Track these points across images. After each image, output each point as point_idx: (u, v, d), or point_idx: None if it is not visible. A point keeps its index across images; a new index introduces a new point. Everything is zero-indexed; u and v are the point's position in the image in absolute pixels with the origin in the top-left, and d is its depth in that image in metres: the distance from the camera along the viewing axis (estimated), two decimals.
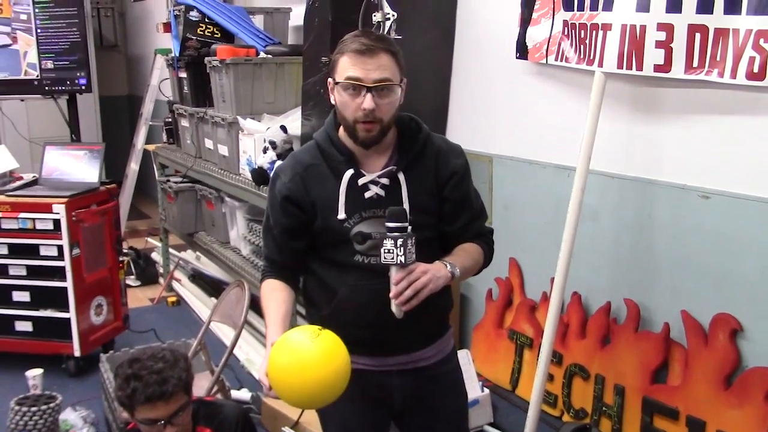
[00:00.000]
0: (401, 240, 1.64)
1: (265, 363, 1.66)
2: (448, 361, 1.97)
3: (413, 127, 1.85)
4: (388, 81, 1.70)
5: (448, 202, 1.85)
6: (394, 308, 1.67)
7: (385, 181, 1.79)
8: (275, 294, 1.85)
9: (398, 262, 1.65)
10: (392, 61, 1.72)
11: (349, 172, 1.78)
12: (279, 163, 3.39)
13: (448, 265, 1.74)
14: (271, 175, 1.95)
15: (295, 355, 1.62)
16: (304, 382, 1.61)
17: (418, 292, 1.65)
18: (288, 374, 1.61)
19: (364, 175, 1.79)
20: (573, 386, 3.01)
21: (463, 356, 2.87)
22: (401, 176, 1.80)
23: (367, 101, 1.68)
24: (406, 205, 1.77)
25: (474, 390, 3.04)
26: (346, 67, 1.71)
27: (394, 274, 1.66)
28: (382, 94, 1.70)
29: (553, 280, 2.77)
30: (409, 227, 1.69)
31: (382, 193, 1.79)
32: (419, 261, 1.68)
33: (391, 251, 1.65)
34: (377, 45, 1.70)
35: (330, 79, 1.77)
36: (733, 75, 2.27)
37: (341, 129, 1.81)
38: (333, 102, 1.78)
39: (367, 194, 1.79)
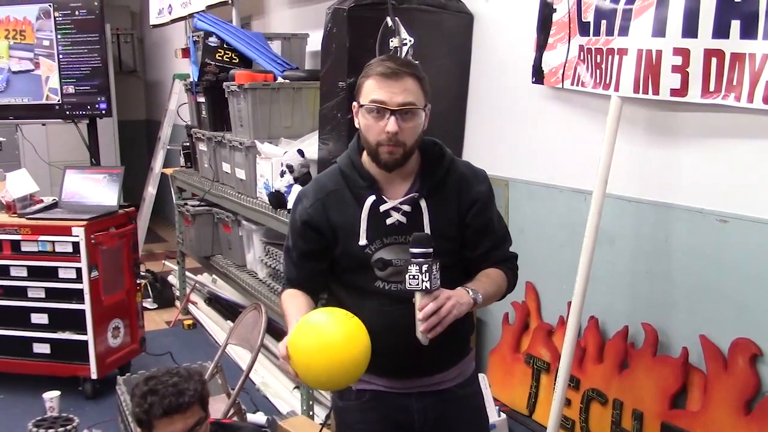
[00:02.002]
0: (426, 266, 1.64)
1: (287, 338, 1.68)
2: (468, 384, 1.96)
3: (437, 152, 1.85)
4: (412, 105, 1.71)
5: (470, 228, 1.84)
6: (419, 335, 1.66)
7: (407, 207, 1.79)
8: (297, 299, 1.86)
9: (423, 288, 1.64)
10: (417, 86, 1.73)
11: (371, 198, 1.78)
12: (297, 186, 3.43)
13: (470, 291, 1.73)
14: (294, 198, 1.98)
15: (316, 336, 1.65)
16: (322, 365, 1.63)
17: (443, 319, 1.64)
18: (306, 355, 1.64)
19: (386, 201, 1.79)
20: (591, 411, 2.98)
21: (480, 380, 2.86)
22: (423, 203, 1.79)
23: (391, 124, 1.69)
24: (427, 232, 1.77)
25: (491, 414, 3.02)
26: (371, 90, 1.72)
27: (419, 301, 1.65)
28: (405, 118, 1.71)
29: (570, 304, 2.76)
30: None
31: (403, 219, 1.79)
32: (441, 287, 1.68)
33: (416, 277, 1.64)
34: (403, 69, 1.71)
35: (355, 103, 1.78)
36: (750, 99, 2.27)
37: (364, 154, 1.81)
38: (357, 125, 1.79)
39: (389, 221, 1.79)
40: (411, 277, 1.65)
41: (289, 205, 3.43)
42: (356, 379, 1.70)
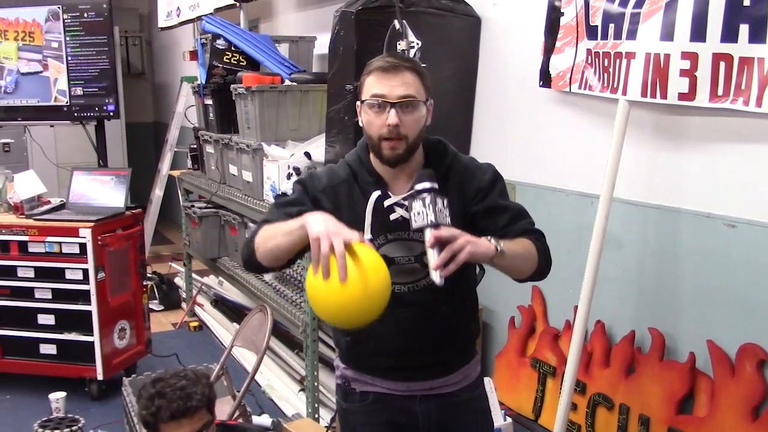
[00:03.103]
0: (430, 198, 1.61)
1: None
2: (473, 388, 1.95)
3: (440, 150, 1.86)
4: (412, 97, 1.72)
5: (478, 214, 1.82)
6: (433, 276, 1.57)
7: None
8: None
9: (428, 222, 1.59)
10: (417, 79, 1.74)
11: (376, 193, 1.79)
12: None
13: (491, 239, 1.65)
14: (305, 171, 1.95)
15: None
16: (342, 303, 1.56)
17: (456, 254, 1.56)
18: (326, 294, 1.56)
19: (390, 197, 1.80)
20: (597, 416, 2.97)
21: (486, 384, 2.85)
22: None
23: (392, 116, 1.69)
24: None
25: (496, 419, 3.02)
26: (372, 85, 1.73)
27: (428, 237, 1.60)
28: (406, 111, 1.71)
29: (576, 308, 2.75)
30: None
31: (407, 215, 1.79)
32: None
33: (421, 212, 1.61)
34: (402, 63, 1.73)
35: (358, 101, 1.80)
36: (759, 104, 2.26)
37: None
38: (361, 124, 1.80)
39: (393, 216, 1.79)
40: (416, 213, 1.61)
41: None
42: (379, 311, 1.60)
